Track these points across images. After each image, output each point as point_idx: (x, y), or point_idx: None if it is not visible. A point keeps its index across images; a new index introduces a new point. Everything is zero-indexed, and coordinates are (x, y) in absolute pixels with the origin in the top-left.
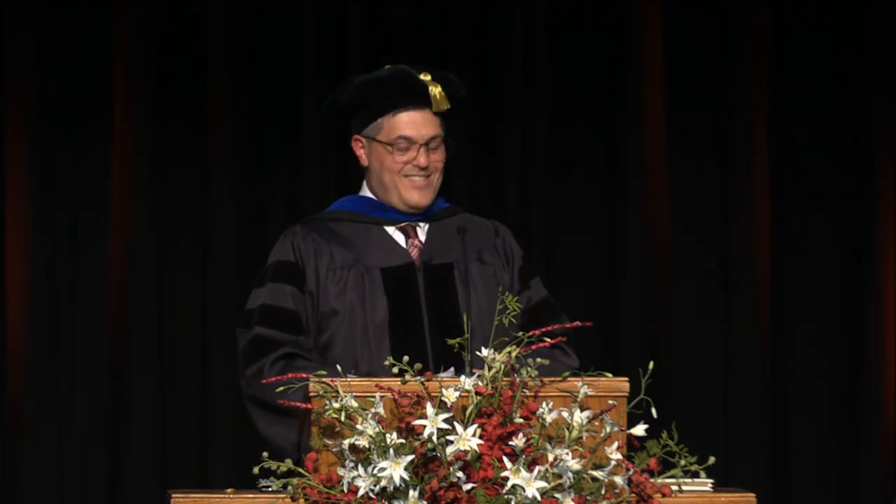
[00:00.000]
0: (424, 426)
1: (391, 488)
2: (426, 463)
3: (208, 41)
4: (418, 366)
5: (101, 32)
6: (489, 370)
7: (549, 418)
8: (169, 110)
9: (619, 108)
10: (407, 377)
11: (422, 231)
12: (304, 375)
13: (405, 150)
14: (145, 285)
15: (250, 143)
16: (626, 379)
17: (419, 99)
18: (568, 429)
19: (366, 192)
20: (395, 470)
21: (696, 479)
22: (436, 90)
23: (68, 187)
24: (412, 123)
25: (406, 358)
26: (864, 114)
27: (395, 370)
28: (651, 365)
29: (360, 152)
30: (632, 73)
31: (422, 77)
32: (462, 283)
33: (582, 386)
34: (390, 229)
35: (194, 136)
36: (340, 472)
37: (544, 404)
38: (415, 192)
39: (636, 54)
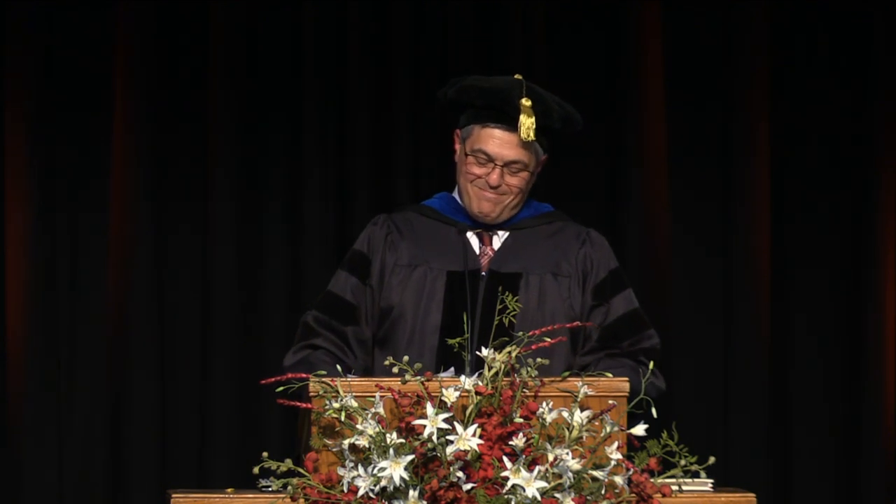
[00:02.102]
0: (424, 426)
1: (391, 488)
2: (426, 463)
3: (208, 41)
4: (418, 366)
5: (101, 32)
6: (489, 370)
7: (549, 418)
8: (169, 110)
9: (619, 108)
10: (407, 377)
11: (499, 239)
12: (303, 375)
13: (483, 164)
14: (145, 285)
15: (250, 143)
16: (626, 379)
17: (511, 121)
18: (568, 429)
19: (456, 192)
20: (395, 470)
21: (696, 479)
22: (527, 121)
23: (68, 187)
24: (496, 142)
25: (406, 358)
26: (864, 114)
27: (396, 370)
28: (651, 365)
29: (456, 146)
30: (632, 73)
31: (522, 102)
32: (466, 291)
33: (582, 386)
34: (468, 233)
35: (194, 136)
36: (340, 472)
37: (544, 404)
38: (483, 202)
39: (636, 54)
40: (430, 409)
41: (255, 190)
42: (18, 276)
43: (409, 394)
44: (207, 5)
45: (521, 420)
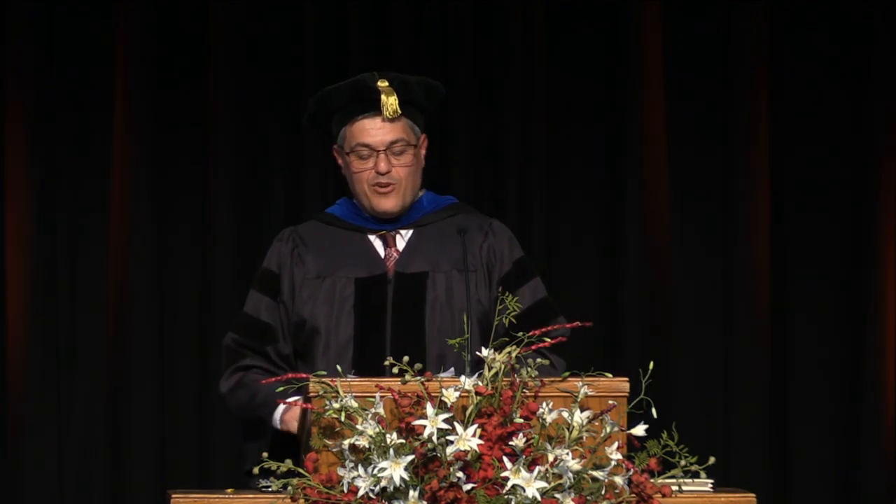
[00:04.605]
0: (424, 426)
1: (391, 488)
2: (426, 463)
3: (208, 41)
4: (418, 366)
5: (101, 33)
6: (489, 370)
7: (549, 418)
8: (169, 110)
9: (619, 107)
10: (407, 377)
11: (402, 239)
12: (303, 376)
13: (366, 157)
14: (145, 285)
15: (250, 143)
16: (626, 379)
17: (374, 105)
18: (568, 429)
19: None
20: (395, 470)
21: (696, 480)
22: (389, 99)
23: (68, 187)
24: (369, 131)
25: (406, 358)
26: (864, 114)
27: (395, 370)
28: (651, 365)
29: (339, 162)
30: (632, 72)
31: (378, 84)
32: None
33: (582, 386)
34: (372, 237)
35: (194, 136)
36: (340, 472)
37: (544, 404)
38: (381, 198)
39: (636, 53)
40: (430, 410)
41: (255, 190)
42: (18, 276)
43: (409, 394)
44: (207, 5)
45: (521, 420)
